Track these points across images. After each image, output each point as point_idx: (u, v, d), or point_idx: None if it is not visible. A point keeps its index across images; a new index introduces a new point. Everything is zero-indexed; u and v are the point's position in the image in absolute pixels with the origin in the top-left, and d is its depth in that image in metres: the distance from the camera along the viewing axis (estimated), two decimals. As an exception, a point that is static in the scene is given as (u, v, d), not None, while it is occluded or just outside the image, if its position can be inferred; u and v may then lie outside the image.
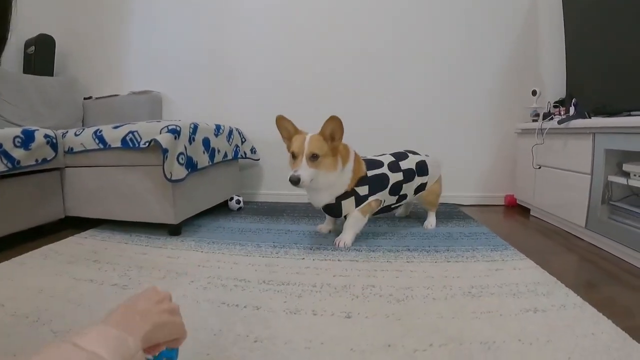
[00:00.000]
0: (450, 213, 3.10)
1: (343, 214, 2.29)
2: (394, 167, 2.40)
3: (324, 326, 1.34)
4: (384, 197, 2.35)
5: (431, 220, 2.72)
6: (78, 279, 1.81)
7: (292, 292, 1.63)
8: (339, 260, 1.98)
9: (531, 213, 3.05)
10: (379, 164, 2.37)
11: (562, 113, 2.67)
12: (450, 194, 3.46)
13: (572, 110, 2.47)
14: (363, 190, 2.24)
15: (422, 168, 2.54)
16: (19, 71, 3.89)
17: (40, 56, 3.92)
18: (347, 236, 2.28)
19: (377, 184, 2.30)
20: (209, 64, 3.93)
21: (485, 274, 1.78)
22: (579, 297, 1.50)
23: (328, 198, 2.24)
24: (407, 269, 1.86)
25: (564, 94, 2.87)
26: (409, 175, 2.44)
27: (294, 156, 2.13)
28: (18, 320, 1.41)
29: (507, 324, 1.32)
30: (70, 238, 2.51)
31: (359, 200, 2.24)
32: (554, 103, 2.89)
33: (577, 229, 2.40)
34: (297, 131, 2.22)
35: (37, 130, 2.50)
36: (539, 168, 2.80)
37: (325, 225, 2.61)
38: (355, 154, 2.29)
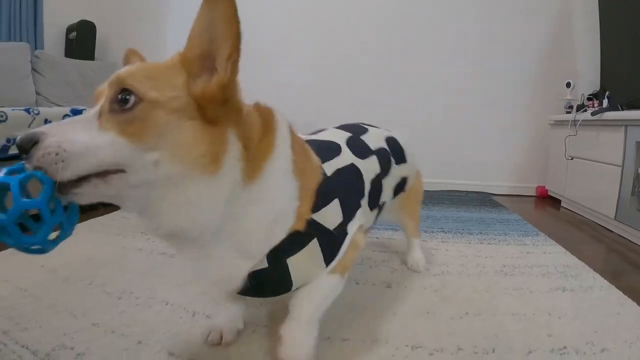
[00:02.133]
0: (482, 201, 3.15)
1: (295, 287, 0.93)
2: (359, 148, 1.19)
3: (366, 293, 1.44)
4: (364, 217, 1.08)
5: (417, 253, 1.68)
6: (127, 248, 1.93)
7: (335, 263, 1.71)
8: (377, 237, 2.04)
9: (562, 204, 3.08)
10: (334, 148, 1.12)
11: (595, 105, 2.69)
12: (482, 183, 3.53)
13: (605, 102, 2.50)
14: (331, 215, 0.93)
15: (396, 149, 1.39)
16: (61, 56, 4.04)
17: (82, 41, 4.07)
18: (300, 342, 0.96)
19: (350, 190, 1.05)
20: (246, 49, 3.98)
21: (517, 255, 1.84)
22: (605, 281, 1.55)
23: (237, 266, 0.85)
24: (442, 248, 1.94)
25: (598, 87, 2.88)
26: (386, 161, 1.28)
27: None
28: (71, 284, 1.52)
29: (537, 299, 1.39)
30: (114, 212, 2.63)
31: (331, 242, 0.93)
32: (588, 95, 2.91)
33: (606, 220, 2.43)
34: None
35: (85, 109, 2.63)
36: (571, 159, 2.82)
37: (228, 318, 1.15)
38: (291, 130, 0.93)
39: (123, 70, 0.71)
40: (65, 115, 2.45)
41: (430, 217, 2.55)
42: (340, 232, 0.94)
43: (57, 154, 0.62)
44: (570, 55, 3.31)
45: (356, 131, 1.28)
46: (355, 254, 1.02)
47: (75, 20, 4.07)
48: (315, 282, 0.94)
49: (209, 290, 1.28)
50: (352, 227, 0.97)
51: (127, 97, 0.67)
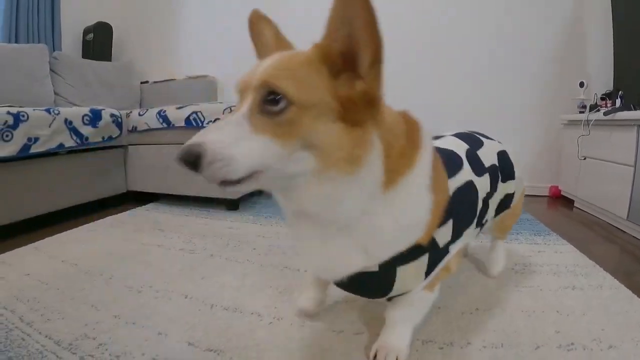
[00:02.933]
0: (494, 201, 3.14)
1: (392, 294, 0.95)
2: (476, 164, 1.11)
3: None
4: (469, 235, 1.08)
5: (500, 258, 1.61)
6: (146, 244, 1.99)
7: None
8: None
9: (575, 204, 3.07)
10: (457, 162, 1.06)
11: (608, 105, 2.69)
12: (494, 183, 3.52)
13: (618, 102, 2.50)
14: (444, 234, 0.92)
15: (505, 164, 1.28)
16: (78, 57, 4.10)
17: (99, 42, 4.14)
18: (401, 340, 1.05)
19: (465, 211, 1.02)
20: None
21: (528, 254, 1.85)
22: (615, 280, 1.56)
23: (356, 260, 0.85)
24: (454, 245, 1.95)
25: (611, 86, 2.88)
26: (495, 179, 1.19)
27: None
28: (92, 277, 1.58)
29: (546, 297, 1.41)
30: (132, 210, 2.70)
31: (435, 259, 0.92)
32: (602, 95, 2.90)
33: (619, 220, 2.43)
34: (281, 45, 0.92)
35: (104, 109, 2.70)
36: (584, 159, 2.82)
37: (313, 295, 1.26)
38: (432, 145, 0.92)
39: (268, 71, 0.70)
40: (84, 116, 2.51)
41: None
42: (445, 251, 0.93)
43: (221, 161, 0.65)
44: (583, 55, 3.29)
45: (472, 144, 1.19)
46: (447, 276, 1.01)
47: (92, 22, 4.14)
48: (411, 298, 0.98)
49: (314, 272, 1.21)
50: (454, 248, 0.96)
51: (277, 99, 0.68)
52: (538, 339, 1.14)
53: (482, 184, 1.09)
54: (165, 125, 2.74)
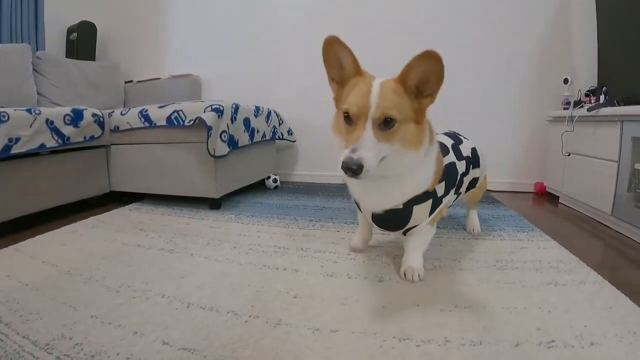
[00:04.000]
0: (479, 197, 3.14)
1: (408, 225, 1.51)
2: (458, 153, 1.68)
3: (358, 287, 1.47)
4: (450, 198, 1.63)
5: (475, 221, 2.17)
6: (127, 244, 1.97)
7: (329, 258, 1.76)
8: (373, 233, 2.04)
9: (560, 200, 3.08)
10: (445, 149, 1.62)
11: (592, 101, 2.70)
12: (480, 180, 3.53)
13: (602, 98, 2.51)
14: (440, 189, 1.49)
15: (475, 157, 1.84)
16: (62, 56, 4.05)
17: (82, 42, 4.10)
18: (418, 261, 1.56)
19: (450, 179, 1.56)
20: (247, 48, 4.06)
21: (511, 250, 1.85)
22: (599, 275, 1.55)
23: (394, 199, 1.41)
24: (436, 243, 1.94)
25: (595, 83, 2.89)
26: (468, 165, 1.75)
27: (348, 119, 1.24)
28: (72, 278, 1.57)
29: (528, 293, 1.40)
30: (115, 210, 2.68)
31: (435, 204, 1.49)
32: (586, 92, 2.91)
33: (603, 216, 2.43)
34: (358, 71, 1.34)
35: (86, 109, 2.67)
36: (569, 155, 2.83)
37: (362, 236, 1.85)
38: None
39: (383, 104, 1.18)
40: (66, 115, 2.48)
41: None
42: (440, 199, 1.50)
43: (369, 169, 1.13)
44: (567, 51, 3.30)
45: (456, 140, 1.77)
46: (440, 216, 1.58)
47: (75, 21, 4.10)
48: (420, 229, 1.53)
49: (369, 208, 1.52)
50: (445, 199, 1.54)
51: (390, 121, 1.19)
52: (518, 336, 1.13)
53: (460, 166, 1.66)
54: (147, 124, 2.71)
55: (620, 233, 2.24)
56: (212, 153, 2.47)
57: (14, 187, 2.21)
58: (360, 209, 1.64)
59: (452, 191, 1.59)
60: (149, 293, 1.42)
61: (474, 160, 1.80)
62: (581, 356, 1.03)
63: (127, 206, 2.80)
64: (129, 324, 1.21)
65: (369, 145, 1.15)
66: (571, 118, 2.73)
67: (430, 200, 1.45)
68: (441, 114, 3.48)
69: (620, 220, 2.24)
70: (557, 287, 1.46)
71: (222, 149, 2.53)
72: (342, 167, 1.13)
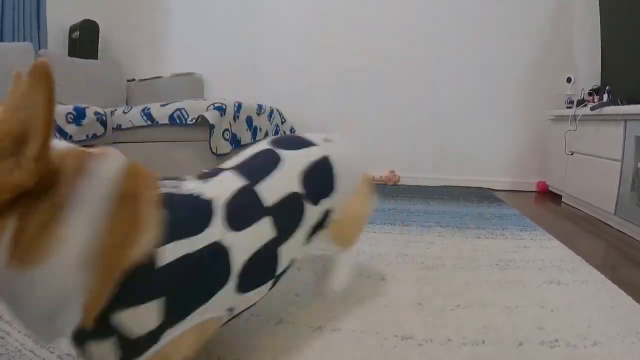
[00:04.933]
0: (482, 196, 3.14)
1: None
2: (241, 213, 0.85)
3: (359, 286, 1.45)
4: (217, 310, 0.82)
5: (342, 273, 1.34)
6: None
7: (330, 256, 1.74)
8: (374, 232, 2.04)
9: (562, 200, 3.07)
10: (196, 223, 0.77)
11: (595, 100, 2.69)
12: (483, 179, 3.53)
13: (605, 97, 2.50)
14: (142, 318, 0.67)
15: (320, 180, 1.07)
16: (64, 55, 4.05)
17: (85, 41, 4.09)
18: None
19: (188, 289, 0.74)
20: (249, 46, 4.06)
21: (513, 249, 1.84)
22: (601, 275, 1.55)
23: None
24: (438, 242, 1.95)
25: (599, 82, 2.88)
26: (290, 215, 0.97)
27: None
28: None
29: (529, 292, 1.40)
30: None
31: (129, 348, 0.67)
32: (589, 90, 2.90)
33: (606, 215, 2.42)
34: None
35: (88, 107, 2.68)
36: (571, 154, 2.82)
37: None
38: (136, 177, 0.74)
39: None
40: (68, 114, 2.49)
41: (427, 212, 2.55)
42: (151, 337, 0.70)
43: None
44: (570, 50, 3.30)
45: (254, 174, 0.95)
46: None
47: (78, 19, 4.09)
48: None
49: None
50: (174, 331, 0.73)
51: None
52: (520, 335, 1.12)
53: (248, 239, 0.85)
54: (149, 122, 2.71)
55: (623, 232, 2.23)
56: (215, 151, 2.48)
57: (15, 185, 2.21)
58: None
59: (210, 307, 0.79)
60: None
61: (315, 189, 1.04)
62: (583, 356, 1.03)
63: (129, 205, 2.80)
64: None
65: None
66: (574, 117, 2.73)
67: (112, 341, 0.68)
68: (445, 112, 3.53)
69: (623, 220, 2.23)
70: (559, 286, 1.45)
71: (225, 147, 2.53)
72: None
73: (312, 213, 1.01)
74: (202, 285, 0.76)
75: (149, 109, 2.74)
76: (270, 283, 0.95)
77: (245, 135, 2.83)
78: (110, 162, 0.70)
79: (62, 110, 2.47)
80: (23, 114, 0.58)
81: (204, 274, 0.76)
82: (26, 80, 0.57)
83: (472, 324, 1.18)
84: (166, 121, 2.64)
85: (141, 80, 4.19)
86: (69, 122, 2.49)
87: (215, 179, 0.92)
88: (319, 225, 1.08)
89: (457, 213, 2.49)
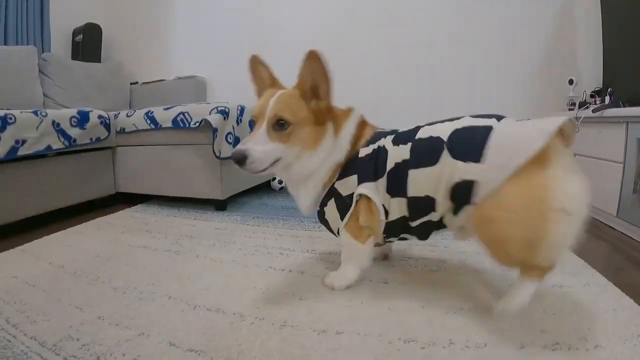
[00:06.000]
0: (484, 199, 3.13)
1: (334, 229, 1.46)
2: (402, 137, 1.30)
3: (363, 289, 1.47)
4: (381, 196, 1.29)
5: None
6: (132, 246, 1.99)
7: (334, 260, 1.75)
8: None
9: (564, 202, 3.06)
10: (383, 135, 1.36)
11: (597, 102, 2.69)
12: (484, 182, 3.52)
13: (607, 99, 2.50)
14: (347, 185, 1.34)
15: (462, 139, 1.15)
16: (68, 58, 4.07)
17: (88, 44, 4.14)
18: (339, 277, 1.47)
19: (367, 169, 1.31)
20: (252, 49, 3.99)
21: (516, 252, 1.84)
22: (604, 278, 1.55)
23: (303, 203, 1.43)
24: (441, 244, 1.95)
25: (601, 84, 2.88)
26: (423, 150, 1.21)
27: (253, 124, 1.32)
28: (78, 279, 1.59)
29: (533, 296, 1.40)
30: (121, 212, 2.69)
31: (340, 205, 1.36)
32: (591, 92, 2.90)
33: (608, 217, 2.42)
34: (273, 83, 1.44)
35: (92, 111, 2.69)
36: (574, 156, 2.82)
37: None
38: (363, 123, 1.43)
39: (277, 106, 1.25)
40: (72, 117, 2.50)
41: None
42: (346, 200, 1.34)
43: (255, 161, 1.21)
44: (572, 52, 3.30)
45: (429, 124, 1.30)
46: (361, 227, 1.36)
47: (81, 23, 4.13)
48: (340, 241, 1.43)
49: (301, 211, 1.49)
50: (357, 192, 1.32)
51: (283, 123, 1.24)
52: (523, 338, 1.13)
53: (397, 151, 1.27)
54: (153, 126, 2.73)
55: (626, 235, 2.23)
56: (218, 155, 2.49)
57: (20, 188, 2.23)
58: None
59: (378, 185, 1.28)
60: (155, 294, 1.43)
61: (452, 145, 1.15)
62: (585, 359, 1.03)
63: (133, 207, 2.83)
64: (136, 325, 1.22)
65: (257, 140, 1.23)
66: (576, 119, 2.73)
67: (333, 201, 1.37)
68: (447, 114, 3.52)
69: (625, 222, 2.23)
70: (562, 289, 1.45)
71: (228, 150, 2.55)
72: (231, 157, 1.23)
73: (448, 164, 1.15)
74: (373, 169, 1.30)
75: (152, 112, 2.76)
76: (405, 200, 1.29)
77: (248, 139, 2.82)
78: (356, 111, 1.43)
79: (66, 113, 2.48)
80: (311, 77, 1.26)
81: (374, 161, 1.30)
82: (306, 58, 1.24)
83: (475, 327, 1.19)
84: (170, 125, 2.65)
85: (144, 83, 4.21)
86: (72, 126, 2.51)
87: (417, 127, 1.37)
88: (460, 195, 1.15)
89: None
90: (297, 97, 1.29)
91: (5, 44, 3.47)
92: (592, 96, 2.85)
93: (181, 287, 1.49)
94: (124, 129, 2.87)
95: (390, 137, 1.31)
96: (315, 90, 1.28)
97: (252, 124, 1.35)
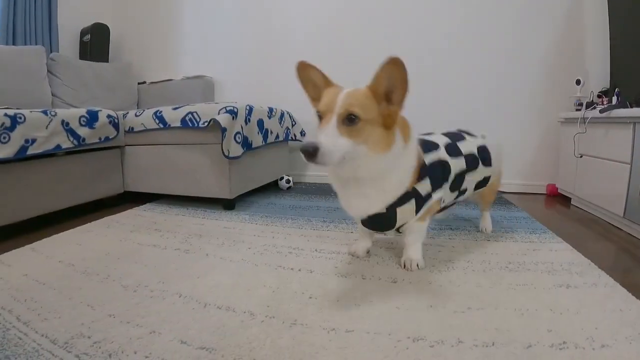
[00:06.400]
0: (492, 199, 3.14)
1: (396, 226, 1.62)
2: (453, 151, 1.73)
3: (372, 288, 1.49)
4: (445, 194, 1.67)
5: (487, 221, 2.22)
6: (142, 244, 2.00)
7: (343, 259, 1.78)
8: (385, 234, 2.06)
9: (572, 202, 3.07)
10: (434, 146, 1.66)
11: (605, 102, 2.69)
12: (492, 181, 3.54)
13: (615, 99, 2.50)
14: (424, 187, 1.55)
15: (485, 155, 1.88)
16: (76, 58, 4.09)
17: (96, 44, 4.15)
18: (417, 253, 1.69)
19: (438, 175, 1.61)
20: (259, 49, 4.09)
21: (523, 252, 1.85)
22: (611, 278, 1.55)
23: (376, 203, 1.50)
24: (448, 244, 1.97)
25: (608, 84, 2.87)
26: (472, 162, 1.80)
27: (320, 117, 1.36)
28: (89, 277, 1.60)
29: (540, 295, 1.41)
30: (130, 210, 2.71)
31: (420, 203, 1.55)
32: (598, 93, 2.89)
33: (615, 218, 2.42)
34: (329, 84, 1.47)
35: (101, 110, 2.71)
36: (581, 157, 2.82)
37: (362, 242, 1.84)
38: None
39: (348, 101, 1.29)
40: (81, 117, 2.52)
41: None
42: (426, 197, 1.55)
43: (326, 154, 1.21)
44: (579, 52, 3.29)
45: (454, 138, 1.81)
46: (431, 213, 1.67)
47: (89, 23, 4.15)
48: (411, 227, 1.62)
49: (353, 214, 1.59)
50: (434, 197, 1.58)
51: (353, 118, 1.27)
52: (530, 337, 1.14)
53: (456, 163, 1.71)
54: (161, 125, 2.75)
55: (632, 235, 2.23)
56: (227, 154, 2.50)
57: (29, 187, 2.25)
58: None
59: (444, 188, 1.65)
60: (165, 293, 1.44)
61: (482, 158, 1.85)
62: (592, 358, 1.04)
63: (141, 206, 2.84)
64: (147, 323, 1.23)
65: (328, 133, 1.26)
66: (583, 119, 2.73)
67: (413, 200, 1.52)
68: (454, 114, 3.54)
69: (633, 223, 2.23)
70: (569, 289, 1.46)
71: (236, 150, 2.56)
72: (300, 150, 1.22)
73: (480, 172, 1.85)
74: (441, 176, 1.61)
75: (161, 112, 2.77)
76: (457, 193, 1.79)
77: (256, 138, 2.86)
78: (411, 126, 1.50)
79: (75, 113, 2.50)
80: (388, 82, 1.30)
81: (442, 170, 1.62)
82: (387, 62, 1.27)
83: (483, 326, 1.20)
84: (178, 124, 2.67)
85: (152, 82, 4.23)
86: (82, 125, 2.52)
87: (432, 135, 1.79)
88: (482, 184, 1.94)
89: (467, 215, 2.50)
90: (369, 96, 1.33)
91: (13, 44, 3.49)
92: (599, 96, 2.85)
93: (191, 286, 1.50)
94: (132, 128, 2.89)
95: (443, 149, 1.68)
96: (389, 94, 1.34)
97: (319, 117, 1.36)
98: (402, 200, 1.49)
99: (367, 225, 1.65)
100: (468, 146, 1.81)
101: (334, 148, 1.23)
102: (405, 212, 1.52)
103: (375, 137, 1.32)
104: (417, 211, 1.55)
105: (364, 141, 1.30)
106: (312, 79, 1.49)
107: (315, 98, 1.49)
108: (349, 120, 1.27)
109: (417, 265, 1.64)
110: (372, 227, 1.68)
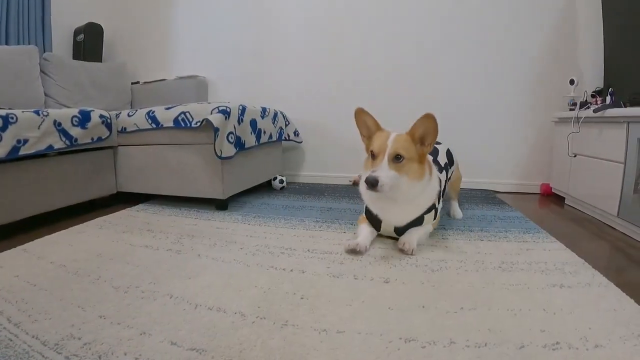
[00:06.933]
0: (485, 198, 3.15)
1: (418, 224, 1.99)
2: (439, 167, 2.17)
3: (364, 288, 1.48)
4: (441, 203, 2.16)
5: (457, 210, 2.56)
6: (134, 245, 1.99)
7: (335, 259, 1.77)
8: (378, 234, 2.07)
9: (566, 202, 3.07)
10: (439, 167, 2.15)
11: (598, 102, 2.69)
12: (487, 181, 3.55)
13: (608, 99, 2.50)
14: (439, 200, 2.08)
15: (450, 158, 2.35)
16: (69, 58, 4.06)
17: (89, 43, 4.13)
18: (414, 240, 1.88)
19: (440, 190, 2.06)
20: (253, 49, 4.07)
21: (516, 252, 1.85)
22: (604, 277, 1.55)
23: (413, 214, 1.93)
24: (442, 244, 1.98)
25: (602, 84, 2.88)
26: (447, 170, 2.27)
27: (373, 156, 1.81)
28: (80, 278, 1.59)
29: (533, 295, 1.41)
30: (122, 211, 2.70)
31: (436, 212, 2.02)
32: (592, 92, 2.90)
33: (609, 217, 2.43)
34: (378, 128, 1.92)
35: (93, 110, 2.69)
36: (575, 156, 2.82)
37: (363, 239, 1.94)
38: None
39: (395, 145, 1.76)
40: (74, 117, 2.50)
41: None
42: (438, 208, 2.04)
43: (383, 185, 1.70)
44: (573, 52, 3.30)
45: (434, 154, 2.23)
46: (438, 219, 2.10)
47: (82, 22, 4.13)
48: (423, 226, 1.96)
49: (387, 226, 1.99)
50: (439, 207, 2.07)
51: (400, 157, 1.75)
52: (523, 337, 1.13)
53: (442, 176, 2.15)
54: (154, 125, 2.74)
55: (626, 235, 2.24)
56: (219, 154, 2.49)
57: (21, 188, 2.23)
58: (375, 227, 2.05)
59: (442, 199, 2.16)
60: (156, 294, 1.43)
61: (450, 162, 2.34)
62: (585, 358, 1.03)
63: (134, 207, 2.83)
64: (137, 324, 1.22)
65: (384, 169, 1.73)
66: (577, 119, 2.73)
67: (434, 211, 1.98)
68: (449, 114, 3.54)
69: (626, 222, 2.23)
70: (562, 289, 1.46)
71: (229, 150, 2.55)
72: (365, 181, 1.72)
73: (449, 171, 2.32)
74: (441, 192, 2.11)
75: (153, 112, 2.76)
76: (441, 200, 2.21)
77: (249, 138, 2.85)
78: (431, 162, 2.07)
79: (67, 113, 2.48)
80: (422, 130, 1.80)
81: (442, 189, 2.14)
82: (424, 117, 1.77)
83: (475, 327, 1.19)
84: (171, 124, 2.66)
85: (145, 82, 4.21)
86: (74, 125, 2.51)
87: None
88: (448, 179, 2.34)
89: (459, 216, 2.50)
90: (409, 140, 1.81)
91: (6, 43, 3.47)
92: (593, 96, 2.86)
93: (183, 287, 1.49)
94: (125, 128, 2.88)
95: (436, 170, 2.06)
96: (423, 139, 1.83)
97: (373, 157, 1.82)
98: (429, 210, 1.95)
99: (399, 230, 1.98)
100: (442, 157, 2.28)
101: (388, 180, 1.71)
102: (429, 219, 1.97)
103: (414, 170, 1.81)
104: (434, 217, 2.01)
105: (406, 173, 1.78)
106: (366, 123, 1.94)
107: (365, 135, 1.98)
108: (396, 158, 1.75)
109: (413, 252, 1.85)
110: (401, 232, 1.97)
